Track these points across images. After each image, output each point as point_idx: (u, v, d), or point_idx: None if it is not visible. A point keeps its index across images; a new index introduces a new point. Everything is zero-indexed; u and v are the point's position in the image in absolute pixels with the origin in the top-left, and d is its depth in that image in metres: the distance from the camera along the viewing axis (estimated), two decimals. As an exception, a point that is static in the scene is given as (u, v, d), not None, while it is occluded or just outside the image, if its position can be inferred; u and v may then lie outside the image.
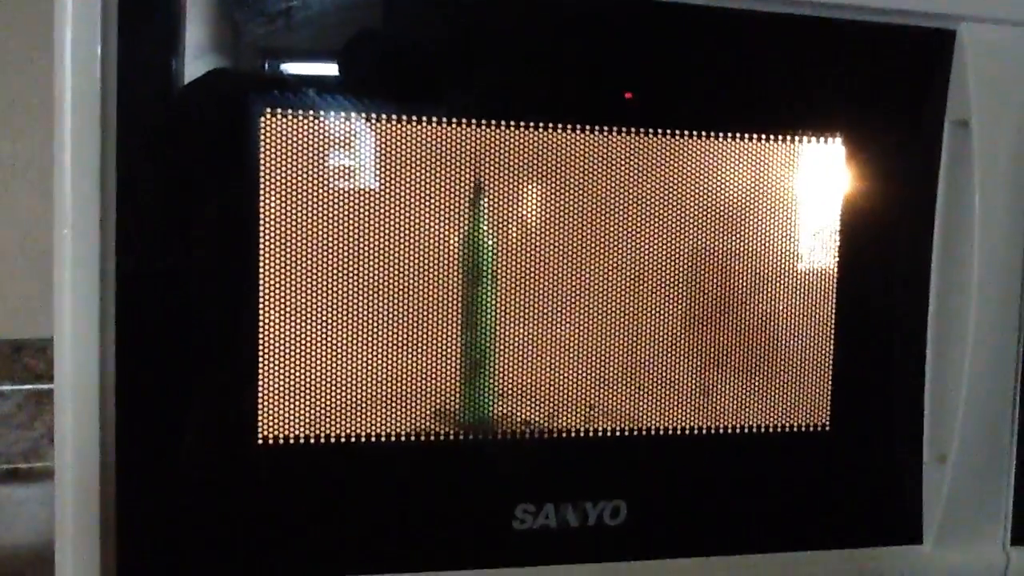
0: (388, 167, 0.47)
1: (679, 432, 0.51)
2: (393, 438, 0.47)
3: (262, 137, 0.44)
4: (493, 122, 0.47)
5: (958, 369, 0.52)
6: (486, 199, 0.48)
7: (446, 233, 0.48)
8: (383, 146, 0.46)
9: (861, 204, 0.52)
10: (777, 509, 0.53)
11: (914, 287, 0.53)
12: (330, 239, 0.46)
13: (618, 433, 0.50)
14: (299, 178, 0.45)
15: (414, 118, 0.46)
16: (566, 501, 0.49)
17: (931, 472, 0.53)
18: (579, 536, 0.49)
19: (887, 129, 0.52)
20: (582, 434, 0.50)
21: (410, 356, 0.48)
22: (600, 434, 0.50)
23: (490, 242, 0.48)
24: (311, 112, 0.45)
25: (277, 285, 0.45)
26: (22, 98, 0.76)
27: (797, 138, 0.52)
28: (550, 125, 0.48)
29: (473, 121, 0.47)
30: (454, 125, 0.47)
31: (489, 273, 0.48)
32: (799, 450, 0.52)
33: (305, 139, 0.45)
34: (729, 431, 0.52)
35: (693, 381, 0.51)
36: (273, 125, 0.45)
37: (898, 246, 0.53)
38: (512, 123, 0.47)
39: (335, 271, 0.46)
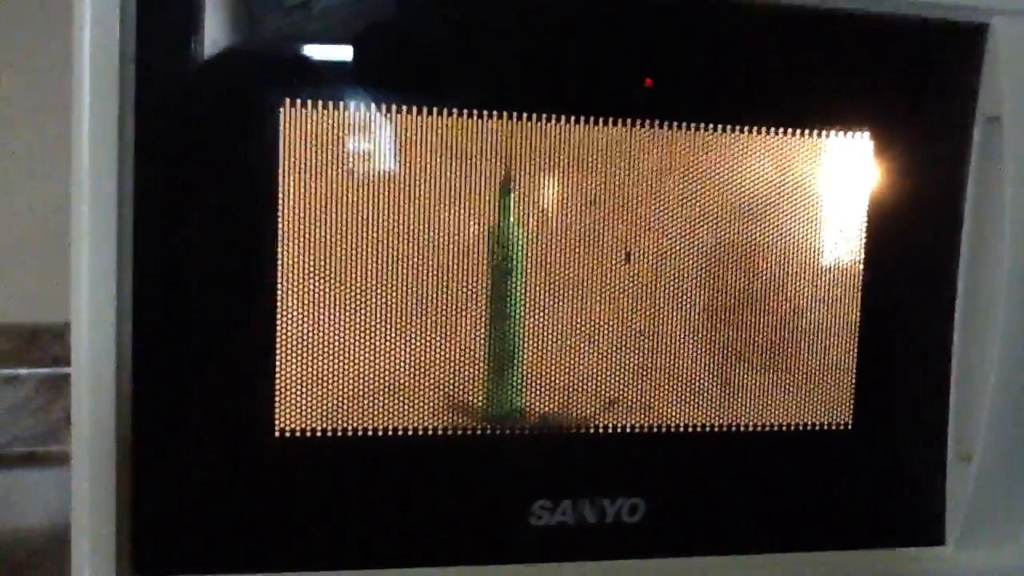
0: (408, 158, 0.46)
1: (699, 429, 0.50)
2: (411, 432, 0.47)
3: (282, 127, 0.44)
4: (515, 114, 0.47)
5: (984, 368, 0.51)
6: (507, 192, 0.47)
7: (465, 225, 0.47)
8: (403, 137, 0.46)
9: (888, 200, 0.51)
10: (797, 508, 0.52)
11: (941, 284, 0.52)
12: (350, 230, 0.46)
13: (637, 429, 0.50)
14: (318, 168, 0.45)
15: (435, 109, 0.46)
16: (584, 497, 0.49)
17: (955, 472, 0.52)
18: (596, 533, 0.49)
19: (917, 124, 0.51)
20: (601, 430, 0.49)
21: (428, 350, 0.47)
22: (619, 430, 0.49)
23: (509, 235, 0.48)
24: (331, 103, 0.45)
25: (295, 275, 0.45)
26: (38, 87, 0.76)
27: (824, 132, 0.51)
28: (572, 117, 0.47)
29: (495, 113, 0.46)
30: (475, 117, 0.46)
31: (509, 267, 0.48)
32: (821, 449, 0.52)
33: (325, 130, 0.45)
34: (750, 429, 0.51)
35: (713, 377, 0.51)
36: (292, 115, 0.44)
37: (925, 243, 0.52)
38: (535, 115, 0.47)
39: (354, 262, 0.46)
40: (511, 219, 0.48)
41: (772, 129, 0.50)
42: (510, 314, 0.48)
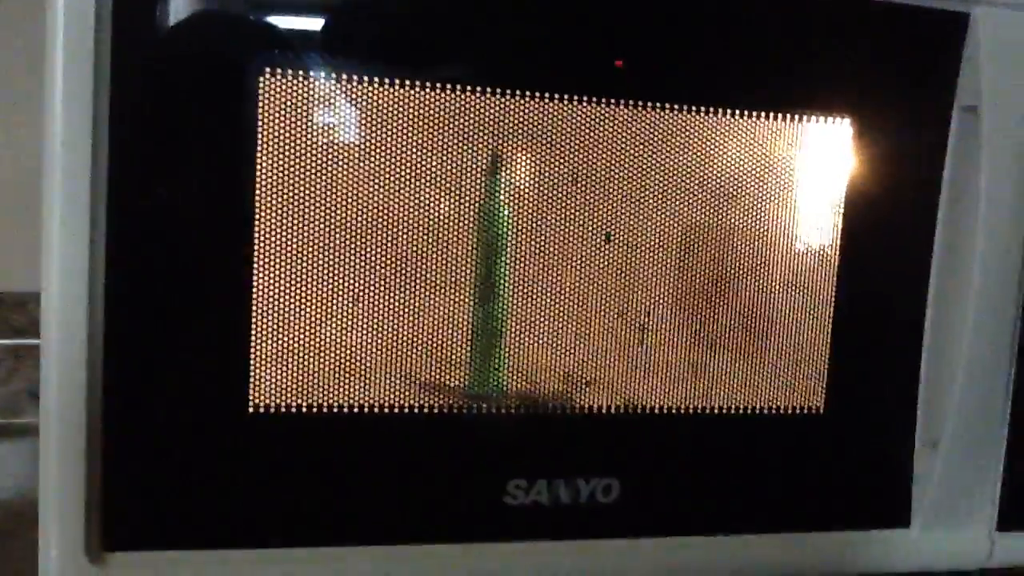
0: (388, 132, 0.45)
1: (672, 411, 0.51)
2: (386, 410, 0.47)
3: (260, 97, 0.43)
4: (496, 90, 0.46)
5: (955, 355, 0.51)
6: (486, 168, 0.47)
7: (442, 201, 0.47)
8: (382, 111, 0.45)
9: (865, 186, 0.52)
10: (768, 490, 0.53)
11: (915, 272, 0.53)
12: (328, 204, 0.45)
13: (612, 410, 0.50)
14: (298, 140, 0.44)
15: (416, 83, 0.45)
16: (559, 477, 0.49)
17: (922, 457, 0.53)
18: (571, 513, 0.49)
19: (896, 111, 0.52)
20: (576, 410, 0.49)
21: (403, 327, 0.47)
22: (594, 411, 0.49)
23: (488, 213, 0.47)
24: (311, 73, 0.44)
25: (272, 249, 0.44)
26: (6, 49, 0.74)
27: (805, 117, 0.51)
28: (550, 94, 0.47)
29: (474, 88, 0.46)
30: (452, 91, 0.46)
31: (490, 245, 0.48)
32: (792, 432, 0.52)
33: (304, 100, 0.44)
34: (723, 411, 0.51)
35: (688, 359, 0.51)
36: (272, 85, 0.43)
37: (900, 230, 0.52)
38: (515, 91, 0.46)
39: (332, 237, 0.45)
40: (490, 196, 0.47)
41: (753, 112, 0.50)
42: (488, 293, 0.48)
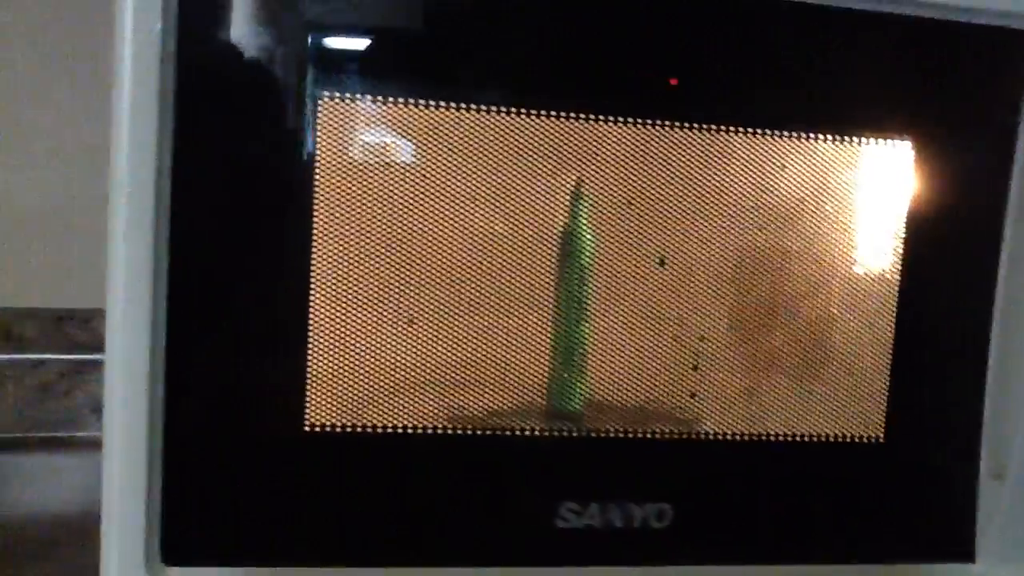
0: (444, 154, 0.46)
1: (727, 437, 0.50)
2: (440, 430, 0.47)
3: (318, 119, 0.44)
4: (548, 111, 0.46)
5: (1021, 383, 0.50)
6: (536, 190, 0.47)
7: (494, 222, 0.47)
8: (439, 133, 0.46)
9: (928, 209, 0.51)
10: (825, 519, 0.51)
11: (979, 296, 0.51)
12: (385, 225, 0.45)
13: (667, 435, 0.49)
14: (355, 163, 0.45)
15: (472, 106, 0.45)
16: (611, 501, 0.48)
17: (987, 490, 0.52)
18: (623, 538, 0.49)
19: (959, 132, 0.50)
20: (630, 434, 0.49)
21: (460, 349, 0.47)
22: (649, 435, 0.49)
23: (546, 234, 0.47)
24: (368, 96, 0.44)
25: (329, 269, 0.45)
26: (66, 72, 0.76)
27: (862, 139, 0.50)
28: (605, 115, 0.47)
29: (530, 111, 0.46)
30: (510, 115, 0.46)
31: (541, 266, 0.48)
32: (851, 461, 0.51)
33: (363, 123, 0.45)
34: (779, 438, 0.50)
35: (742, 384, 0.50)
36: (331, 109, 0.44)
37: (965, 254, 0.51)
38: (568, 113, 0.46)
39: (389, 258, 0.46)
40: (544, 218, 0.47)
41: (811, 133, 0.49)
42: (546, 317, 0.48)
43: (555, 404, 0.49)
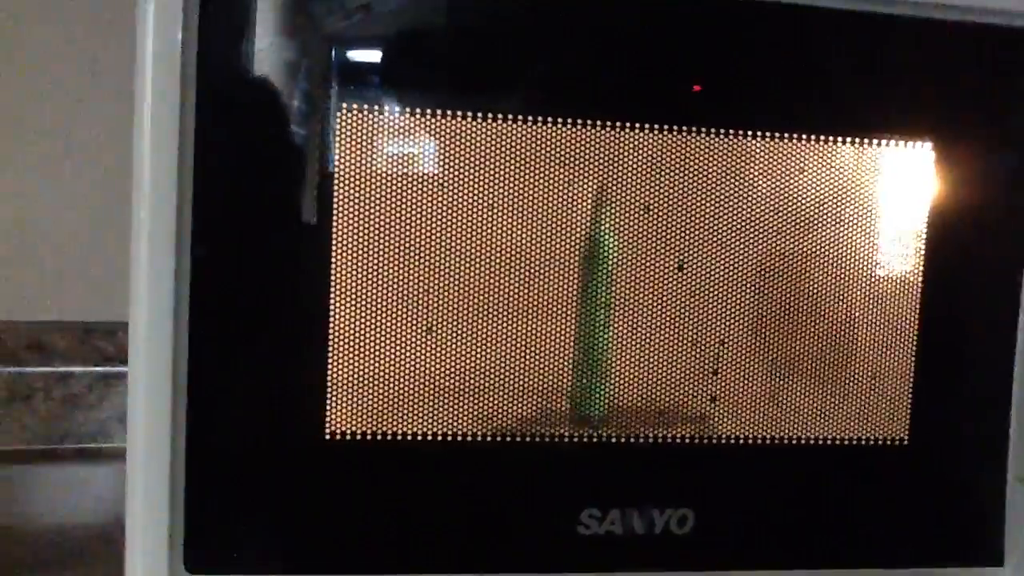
0: (463, 164, 0.46)
1: (749, 441, 0.50)
2: (460, 438, 0.47)
3: (338, 130, 0.44)
4: (571, 120, 0.46)
5: (1047, 387, 0.50)
6: (556, 197, 0.47)
7: (513, 229, 0.47)
8: (458, 143, 0.46)
9: (950, 211, 0.50)
10: (849, 524, 0.51)
11: (1003, 297, 0.51)
12: (404, 234, 0.46)
13: (688, 440, 0.49)
14: (374, 173, 0.45)
15: (490, 115, 0.46)
16: (633, 507, 0.48)
17: (1015, 493, 0.51)
18: (645, 544, 0.48)
19: (981, 135, 0.50)
20: (651, 440, 0.49)
21: (479, 356, 0.47)
22: (670, 440, 0.49)
23: (567, 241, 0.47)
24: (387, 108, 0.45)
25: (349, 278, 0.45)
26: (100, 85, 0.77)
27: (883, 142, 0.50)
28: (619, 123, 0.47)
29: (549, 119, 0.46)
30: (528, 123, 0.46)
31: (561, 274, 0.48)
32: (875, 464, 0.51)
33: (380, 133, 0.45)
34: (802, 442, 0.50)
35: (764, 388, 0.50)
36: (349, 119, 0.44)
37: (988, 256, 0.51)
38: (587, 120, 0.46)
39: (409, 265, 0.46)
40: (565, 226, 0.48)
41: (831, 137, 0.49)
42: (569, 323, 0.48)
43: (577, 410, 0.49)
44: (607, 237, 0.48)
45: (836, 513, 0.51)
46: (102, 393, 0.79)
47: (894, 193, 0.51)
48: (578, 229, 0.48)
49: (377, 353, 0.46)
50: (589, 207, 0.48)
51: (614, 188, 0.48)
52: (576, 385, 0.48)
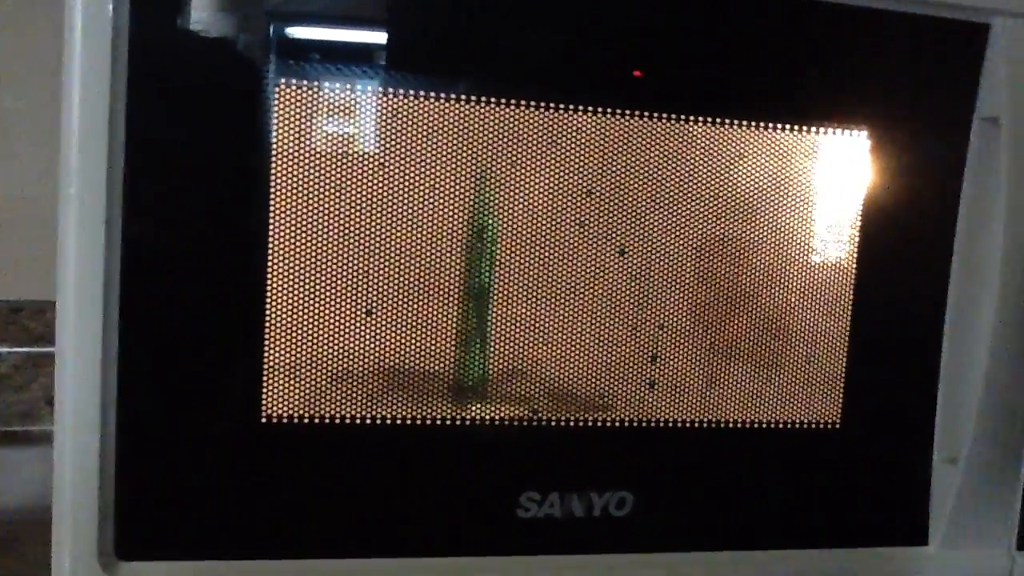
0: (402, 143, 0.46)
1: (687, 424, 0.50)
2: (398, 421, 0.47)
3: (276, 107, 0.43)
4: (508, 100, 0.46)
5: (974, 371, 0.51)
6: (493, 179, 0.47)
7: (453, 211, 0.47)
8: (397, 121, 0.45)
9: (883, 199, 0.51)
10: (784, 506, 0.52)
11: (933, 284, 0.52)
12: (339, 214, 0.45)
13: (625, 423, 0.49)
14: (312, 150, 0.44)
15: (431, 95, 0.45)
16: (572, 490, 0.49)
17: (941, 474, 0.53)
18: (584, 526, 0.49)
19: (915, 123, 0.51)
20: (590, 423, 0.49)
21: (416, 338, 0.47)
22: (608, 424, 0.49)
23: (494, 223, 0.47)
24: (326, 84, 0.44)
25: (285, 258, 0.44)
26: (24, 53, 0.74)
27: (821, 129, 0.50)
28: (560, 105, 0.47)
29: (483, 99, 0.46)
30: (469, 103, 0.46)
31: (494, 256, 0.47)
32: (808, 447, 0.52)
33: (319, 111, 0.44)
34: (738, 425, 0.51)
35: (702, 372, 0.51)
36: (287, 95, 0.44)
37: (919, 243, 0.52)
38: (522, 102, 0.46)
39: (344, 247, 0.45)
40: (493, 207, 0.47)
41: (770, 124, 0.50)
42: (496, 306, 0.48)
43: (515, 393, 0.49)
44: (549, 220, 0.48)
45: (770, 495, 0.52)
46: (30, 374, 0.77)
47: (830, 180, 0.51)
48: (518, 211, 0.48)
49: (315, 336, 0.45)
50: (530, 190, 0.48)
51: (556, 171, 0.48)
52: (515, 369, 0.48)
